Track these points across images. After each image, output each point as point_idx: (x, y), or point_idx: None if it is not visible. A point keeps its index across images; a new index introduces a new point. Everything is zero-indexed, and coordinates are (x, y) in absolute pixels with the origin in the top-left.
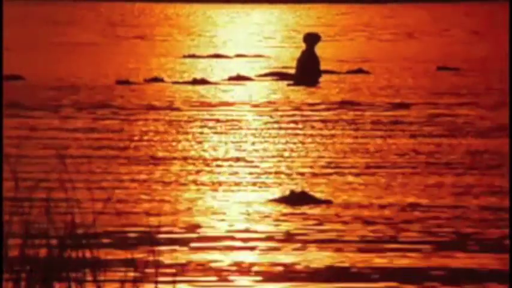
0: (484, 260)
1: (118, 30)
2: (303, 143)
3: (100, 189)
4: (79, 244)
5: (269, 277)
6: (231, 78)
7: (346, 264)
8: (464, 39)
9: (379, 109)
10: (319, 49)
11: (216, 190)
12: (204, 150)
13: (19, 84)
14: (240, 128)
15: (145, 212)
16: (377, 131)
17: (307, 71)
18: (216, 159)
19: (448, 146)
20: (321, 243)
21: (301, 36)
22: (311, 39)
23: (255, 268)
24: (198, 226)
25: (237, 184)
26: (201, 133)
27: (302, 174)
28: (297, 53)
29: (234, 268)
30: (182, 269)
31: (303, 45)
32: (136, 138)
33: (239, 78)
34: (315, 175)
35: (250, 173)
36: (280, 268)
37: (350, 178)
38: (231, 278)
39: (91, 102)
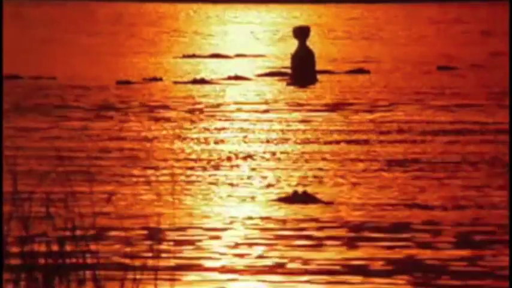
0: (484, 260)
1: (118, 30)
2: (304, 143)
3: (100, 189)
4: (79, 244)
5: (270, 276)
6: (230, 78)
7: (348, 264)
8: (465, 39)
9: (379, 109)
10: (319, 48)
11: (217, 190)
12: (204, 150)
13: (18, 84)
14: (240, 128)
15: (145, 212)
16: (377, 131)
17: (303, 67)
18: (217, 159)
19: (449, 146)
20: (322, 243)
21: (294, 33)
22: (301, 33)
23: (256, 268)
24: (198, 226)
25: (238, 184)
26: (201, 133)
27: (305, 174)
28: None
29: (234, 268)
30: (182, 269)
31: (295, 42)
32: (136, 138)
33: (238, 78)
34: (317, 176)
35: (252, 173)
36: (282, 268)
37: (352, 178)
38: (231, 278)
39: (91, 102)
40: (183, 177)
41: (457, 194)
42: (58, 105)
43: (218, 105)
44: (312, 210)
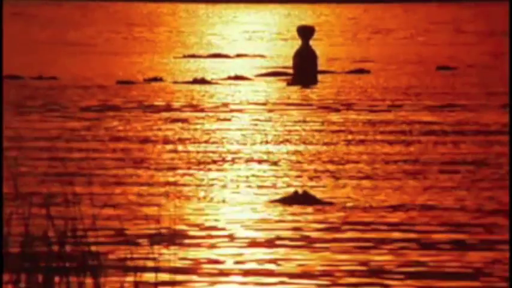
0: (483, 260)
1: (118, 30)
2: (304, 143)
3: (99, 190)
4: (79, 245)
5: (271, 277)
6: (230, 78)
7: (347, 264)
8: (464, 39)
9: (379, 110)
10: (319, 47)
11: (216, 190)
12: (204, 151)
13: (19, 84)
14: (240, 128)
15: (145, 212)
16: (377, 131)
17: (304, 67)
18: (217, 160)
19: (448, 146)
20: (323, 244)
21: (298, 32)
22: (305, 32)
23: (257, 268)
24: (199, 227)
25: (238, 184)
26: (201, 133)
27: (305, 175)
28: None
29: (235, 269)
30: (181, 270)
31: (299, 41)
32: (136, 138)
33: (239, 78)
34: (317, 176)
35: (253, 173)
36: (283, 268)
37: (352, 179)
38: (232, 278)
39: (91, 102)
40: (182, 178)
41: (457, 194)
42: (58, 105)
43: (218, 105)
44: (312, 210)
